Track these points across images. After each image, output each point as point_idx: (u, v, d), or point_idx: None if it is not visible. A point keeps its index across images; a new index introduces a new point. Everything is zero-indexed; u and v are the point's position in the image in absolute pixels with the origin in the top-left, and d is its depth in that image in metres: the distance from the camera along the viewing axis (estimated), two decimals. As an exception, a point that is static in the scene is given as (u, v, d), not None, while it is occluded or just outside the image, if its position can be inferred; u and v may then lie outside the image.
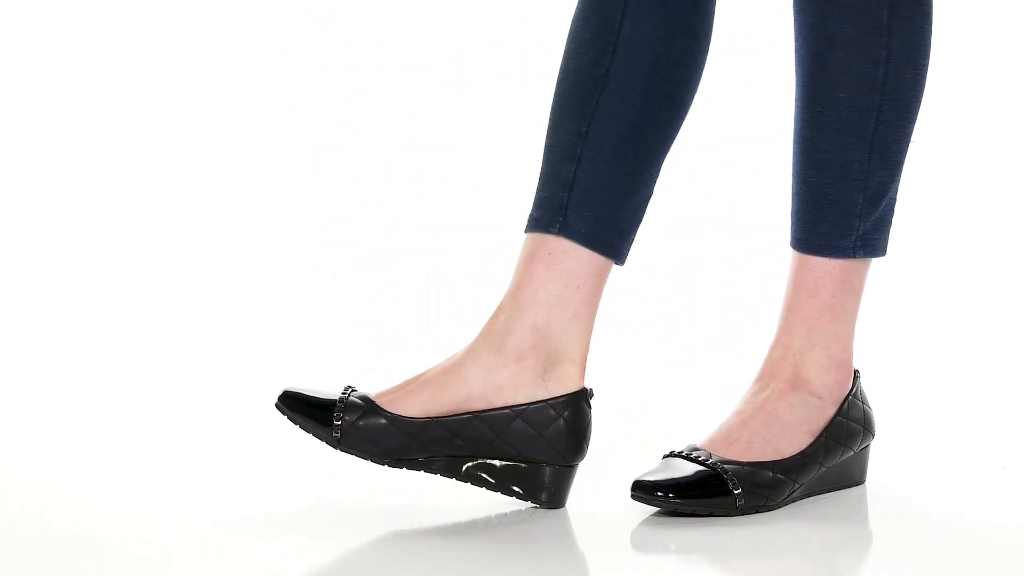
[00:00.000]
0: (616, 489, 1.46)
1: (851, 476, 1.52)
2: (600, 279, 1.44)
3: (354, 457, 1.41)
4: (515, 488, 1.42)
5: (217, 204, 2.77)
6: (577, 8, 1.47)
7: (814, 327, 1.49)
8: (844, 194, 1.48)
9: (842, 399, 1.50)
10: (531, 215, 1.45)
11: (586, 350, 1.44)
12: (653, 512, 1.41)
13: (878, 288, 2.55)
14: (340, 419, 1.40)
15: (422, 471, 1.42)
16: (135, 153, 2.80)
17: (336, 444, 1.41)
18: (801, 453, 1.46)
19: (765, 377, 1.50)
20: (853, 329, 1.51)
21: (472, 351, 1.43)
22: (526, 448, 1.41)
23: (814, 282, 1.49)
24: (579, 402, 1.42)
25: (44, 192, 2.76)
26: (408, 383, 1.43)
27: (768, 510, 1.43)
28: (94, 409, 1.98)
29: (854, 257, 1.49)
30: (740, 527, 1.39)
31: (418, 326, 2.44)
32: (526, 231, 1.45)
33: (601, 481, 1.50)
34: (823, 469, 1.48)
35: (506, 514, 1.43)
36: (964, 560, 1.31)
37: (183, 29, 2.79)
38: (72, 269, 2.66)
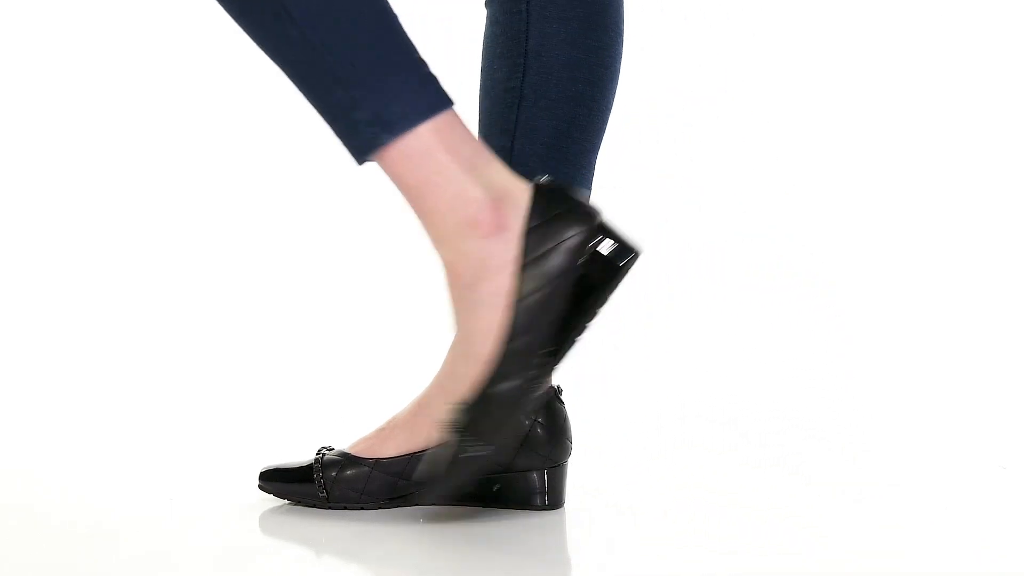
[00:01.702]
0: (604, 486, 1.46)
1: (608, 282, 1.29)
2: None
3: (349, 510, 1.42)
4: (512, 499, 1.42)
5: (215, 207, 2.77)
6: (486, 21, 1.46)
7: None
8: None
9: (503, 235, 1.28)
10: None
11: None
12: (641, 511, 1.41)
13: (878, 288, 2.57)
14: (321, 477, 1.42)
15: (417, 504, 1.42)
16: (129, 158, 2.80)
17: (325, 503, 1.42)
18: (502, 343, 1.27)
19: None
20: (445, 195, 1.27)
21: (436, 389, 1.39)
22: (510, 461, 1.40)
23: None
24: (550, 402, 1.41)
25: (41, 199, 2.77)
26: (379, 431, 1.43)
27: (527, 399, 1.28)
28: (93, 411, 1.98)
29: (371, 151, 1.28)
30: (737, 526, 1.40)
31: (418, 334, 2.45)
32: None
33: (590, 479, 1.50)
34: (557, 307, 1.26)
35: (499, 514, 1.43)
36: (964, 560, 1.32)
37: (184, 32, 2.79)
38: (71, 273, 2.66)
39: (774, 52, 2.74)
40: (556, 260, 1.26)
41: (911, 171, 2.71)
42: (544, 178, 1.31)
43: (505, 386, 1.26)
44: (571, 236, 1.27)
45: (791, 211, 2.65)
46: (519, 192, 1.29)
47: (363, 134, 1.27)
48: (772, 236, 2.60)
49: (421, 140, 1.27)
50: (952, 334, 2.41)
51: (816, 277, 2.56)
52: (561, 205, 1.28)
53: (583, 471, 1.51)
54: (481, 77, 1.46)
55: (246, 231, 2.73)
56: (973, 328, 2.44)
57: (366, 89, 1.26)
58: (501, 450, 1.27)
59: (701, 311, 2.45)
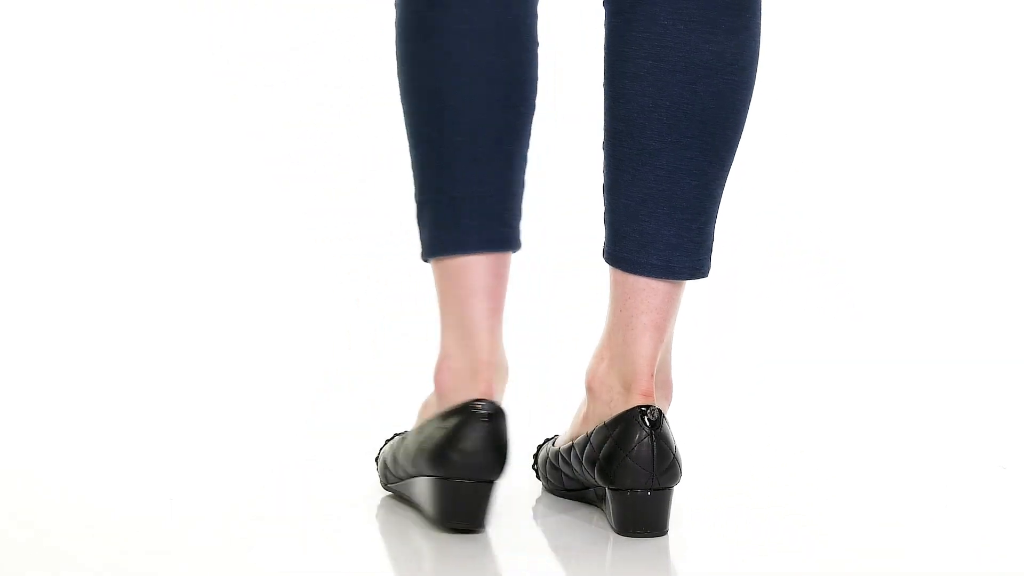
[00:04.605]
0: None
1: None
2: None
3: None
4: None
5: (217, 207, 2.77)
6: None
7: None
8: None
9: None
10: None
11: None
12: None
13: (877, 287, 2.56)
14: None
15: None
16: (132, 158, 2.80)
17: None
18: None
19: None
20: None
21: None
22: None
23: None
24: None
25: (41, 199, 2.76)
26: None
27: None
28: (93, 411, 1.98)
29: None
30: (737, 523, 1.39)
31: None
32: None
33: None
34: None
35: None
36: (964, 560, 1.31)
37: (186, 32, 2.79)
38: (71, 273, 2.66)
39: (785, 29, 2.73)
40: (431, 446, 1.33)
41: (923, 152, 2.70)
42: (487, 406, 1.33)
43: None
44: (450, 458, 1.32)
45: (801, 188, 2.64)
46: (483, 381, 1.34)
47: (421, 236, 1.37)
48: (782, 213, 2.60)
49: (442, 269, 1.35)
50: (951, 333, 2.41)
51: (825, 255, 2.56)
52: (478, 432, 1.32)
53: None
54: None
55: (248, 230, 2.73)
56: (972, 327, 2.43)
57: (422, 205, 1.36)
58: None
59: (709, 289, 2.44)
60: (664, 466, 1.32)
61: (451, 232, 1.34)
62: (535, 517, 1.43)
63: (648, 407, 1.33)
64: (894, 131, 2.70)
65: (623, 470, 1.32)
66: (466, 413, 1.31)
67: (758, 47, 1.39)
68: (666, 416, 1.35)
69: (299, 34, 2.78)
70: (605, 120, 1.38)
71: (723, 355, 2.22)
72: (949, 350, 2.32)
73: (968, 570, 1.29)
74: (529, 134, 1.37)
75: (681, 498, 1.41)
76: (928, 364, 2.25)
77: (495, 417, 1.31)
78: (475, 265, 1.34)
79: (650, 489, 1.32)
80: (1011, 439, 1.83)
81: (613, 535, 1.35)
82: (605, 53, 1.38)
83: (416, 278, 2.56)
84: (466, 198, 1.34)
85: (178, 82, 2.80)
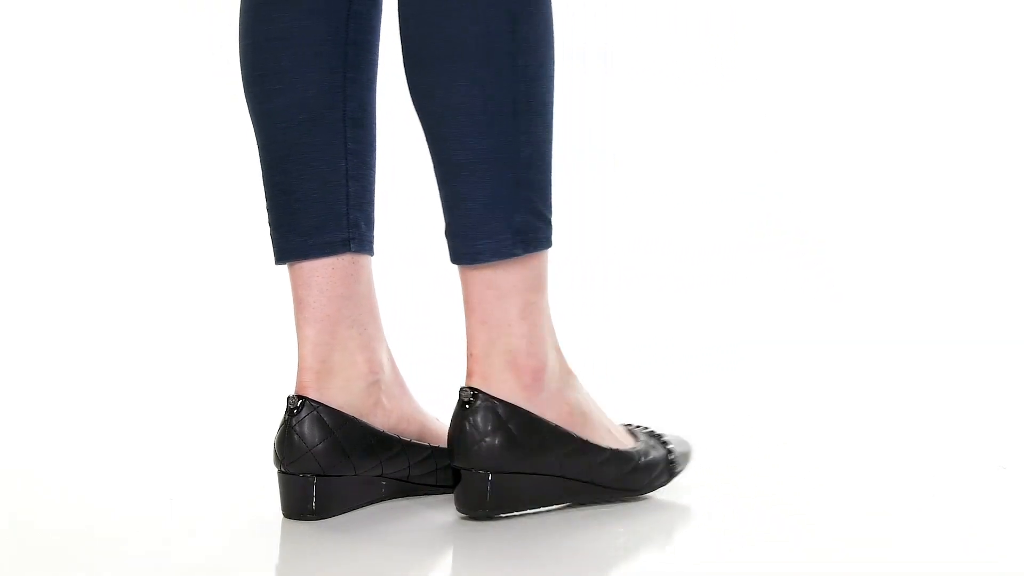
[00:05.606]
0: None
1: None
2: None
3: None
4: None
5: (219, 204, 2.77)
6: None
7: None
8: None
9: None
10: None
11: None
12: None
13: (858, 267, 2.56)
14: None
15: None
16: (132, 158, 2.80)
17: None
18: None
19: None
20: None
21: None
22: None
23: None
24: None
25: (41, 199, 2.76)
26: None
27: None
28: (93, 411, 1.98)
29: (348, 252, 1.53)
30: (725, 513, 1.39)
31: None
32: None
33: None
34: None
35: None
36: (964, 560, 1.31)
37: (186, 32, 2.79)
38: (71, 273, 2.66)
39: (762, 12, 2.73)
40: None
41: (902, 134, 2.70)
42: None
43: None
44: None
45: (780, 169, 2.64)
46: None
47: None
48: (762, 195, 2.60)
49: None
50: (951, 332, 2.41)
51: (805, 235, 2.56)
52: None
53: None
54: None
55: (247, 230, 2.73)
56: (972, 326, 2.43)
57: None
58: None
59: (689, 270, 2.44)
60: (466, 446, 1.35)
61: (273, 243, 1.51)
62: (538, 516, 1.43)
63: (462, 389, 1.38)
64: (874, 114, 2.70)
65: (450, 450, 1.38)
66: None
67: (504, 20, 1.34)
68: (499, 398, 1.36)
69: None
70: None
71: (703, 336, 2.22)
72: (931, 331, 2.32)
73: (955, 557, 1.29)
74: (339, 152, 1.51)
75: (668, 488, 1.41)
76: (910, 345, 2.25)
77: (293, 414, 1.42)
78: (290, 276, 1.51)
79: (462, 468, 1.36)
80: (1011, 439, 1.83)
81: (612, 533, 1.35)
82: None
83: (417, 279, 2.57)
84: (273, 210, 1.50)
85: (178, 82, 2.80)
